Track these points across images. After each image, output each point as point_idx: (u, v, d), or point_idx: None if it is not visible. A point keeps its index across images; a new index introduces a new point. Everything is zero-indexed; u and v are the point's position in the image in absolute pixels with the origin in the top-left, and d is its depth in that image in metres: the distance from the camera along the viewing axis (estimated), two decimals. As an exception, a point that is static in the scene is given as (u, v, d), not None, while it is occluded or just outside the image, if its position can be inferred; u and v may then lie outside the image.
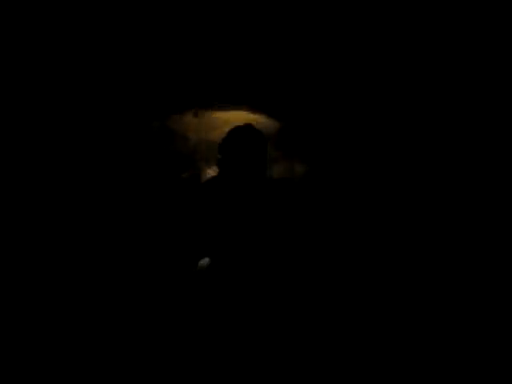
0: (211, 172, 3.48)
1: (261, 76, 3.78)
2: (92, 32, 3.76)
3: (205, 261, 2.83)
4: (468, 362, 3.10)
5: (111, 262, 3.42)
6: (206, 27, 3.79)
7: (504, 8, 3.69)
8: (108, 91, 3.73)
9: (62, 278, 3.35)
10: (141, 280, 3.32)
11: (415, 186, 3.64)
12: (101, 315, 3.24)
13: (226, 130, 2.89)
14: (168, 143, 3.69)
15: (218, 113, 3.70)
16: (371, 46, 3.78)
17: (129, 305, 3.25)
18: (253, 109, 3.65)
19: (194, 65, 3.80)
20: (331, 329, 3.13)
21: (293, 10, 3.78)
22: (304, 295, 3.02)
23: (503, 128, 3.65)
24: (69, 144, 3.64)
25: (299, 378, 2.88)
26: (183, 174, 3.62)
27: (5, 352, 3.05)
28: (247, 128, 2.79)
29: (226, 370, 2.72)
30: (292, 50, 3.79)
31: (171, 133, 3.70)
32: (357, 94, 3.77)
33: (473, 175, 3.62)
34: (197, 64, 3.80)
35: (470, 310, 3.29)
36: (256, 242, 2.71)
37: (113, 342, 3.12)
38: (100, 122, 3.69)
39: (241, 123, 2.89)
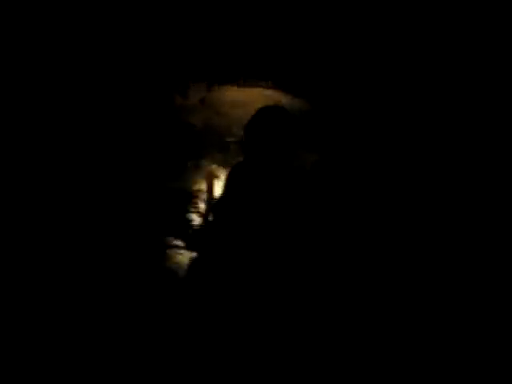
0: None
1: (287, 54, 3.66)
2: (93, 15, 3.67)
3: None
4: (468, 362, 3.10)
5: (113, 253, 3.34)
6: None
7: (504, 8, 3.73)
8: (110, 73, 3.63)
9: (63, 273, 3.26)
10: (145, 271, 3.25)
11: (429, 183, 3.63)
12: (100, 309, 3.16)
13: (234, 115, 2.77)
14: (172, 130, 3.60)
15: (229, 89, 3.55)
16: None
17: (131, 298, 3.18)
18: (275, 87, 3.50)
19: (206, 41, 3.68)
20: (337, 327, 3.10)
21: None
22: (311, 291, 2.97)
23: (503, 126, 3.68)
24: (72, 130, 3.56)
25: (300, 378, 2.84)
26: (188, 162, 3.55)
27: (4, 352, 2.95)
28: (276, 109, 2.61)
29: (226, 370, 2.65)
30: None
31: (176, 119, 3.61)
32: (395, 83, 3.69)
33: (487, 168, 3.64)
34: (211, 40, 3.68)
35: (470, 310, 3.30)
36: (275, 233, 2.61)
37: (112, 341, 3.04)
38: (102, 109, 3.61)
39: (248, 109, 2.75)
